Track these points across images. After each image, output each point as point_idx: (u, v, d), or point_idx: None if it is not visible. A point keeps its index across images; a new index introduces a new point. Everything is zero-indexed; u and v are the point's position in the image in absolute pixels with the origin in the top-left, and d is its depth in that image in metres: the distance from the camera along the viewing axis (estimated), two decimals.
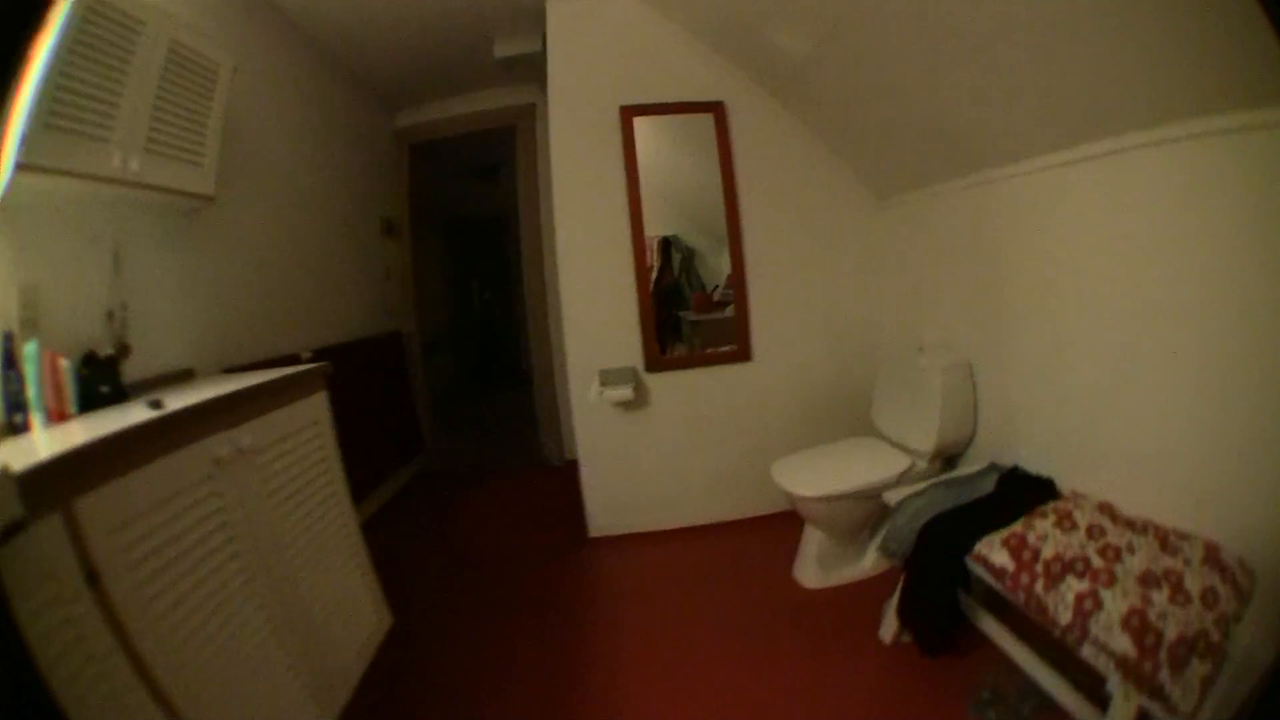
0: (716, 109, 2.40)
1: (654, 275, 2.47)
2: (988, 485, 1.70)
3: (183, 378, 1.74)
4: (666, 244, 2.48)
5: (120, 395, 1.41)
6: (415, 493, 3.37)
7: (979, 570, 1.42)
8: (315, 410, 1.63)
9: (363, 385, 2.96)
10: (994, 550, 1.37)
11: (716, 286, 2.53)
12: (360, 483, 2.74)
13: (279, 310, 2.38)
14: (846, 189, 2.57)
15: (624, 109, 2.36)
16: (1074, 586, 1.17)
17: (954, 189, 2.03)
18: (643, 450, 2.54)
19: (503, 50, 2.98)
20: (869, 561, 2.05)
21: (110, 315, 1.53)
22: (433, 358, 6.34)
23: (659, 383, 2.51)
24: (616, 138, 2.38)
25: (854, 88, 2.02)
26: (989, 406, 1.98)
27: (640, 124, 2.38)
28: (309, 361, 2.45)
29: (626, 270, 2.44)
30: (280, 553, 1.34)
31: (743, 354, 2.52)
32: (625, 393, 2.36)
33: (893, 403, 2.22)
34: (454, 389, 6.06)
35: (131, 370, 1.54)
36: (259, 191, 2.29)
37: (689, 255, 2.53)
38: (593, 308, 2.46)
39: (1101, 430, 1.53)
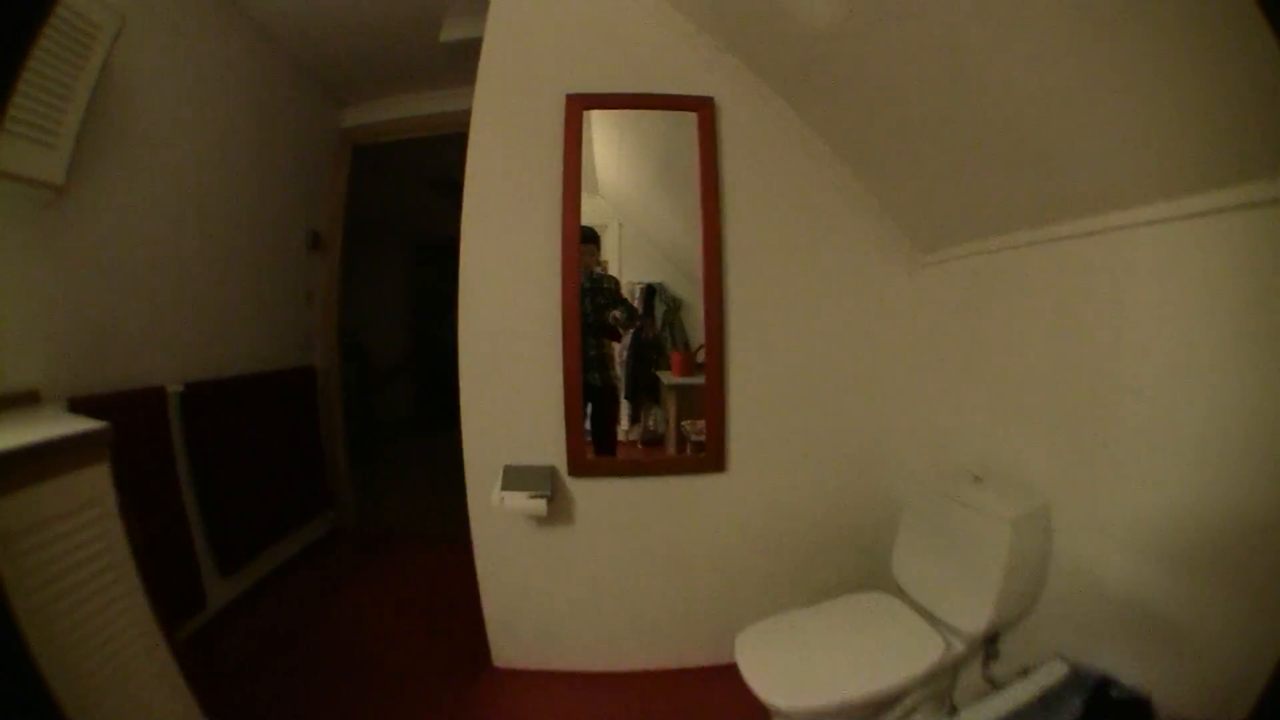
0: (702, 106, 1.72)
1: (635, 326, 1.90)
2: (1070, 714, 1.05)
3: (24, 402, 1.44)
4: (650, 292, 1.88)
5: None
6: (315, 558, 2.83)
7: None
8: (91, 488, 1.23)
9: (253, 429, 2.44)
10: None
11: (701, 346, 1.86)
12: (240, 545, 2.35)
13: (161, 328, 1.98)
14: (874, 233, 1.84)
15: (571, 98, 1.69)
16: None
17: (1044, 240, 1.31)
18: (562, 578, 1.82)
19: (450, 33, 2.43)
20: None
21: None
22: (385, 390, 5.70)
23: (589, 492, 1.78)
24: (558, 137, 1.70)
25: (895, 74, 1.34)
26: (1064, 571, 1.26)
27: (607, 130, 1.72)
28: (180, 395, 1.98)
29: (552, 326, 1.73)
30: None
31: (714, 461, 1.78)
32: (538, 505, 1.64)
33: (925, 552, 1.49)
34: (407, 425, 5.67)
35: None
36: (145, 182, 1.90)
37: (674, 307, 1.90)
38: (499, 377, 1.76)
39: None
